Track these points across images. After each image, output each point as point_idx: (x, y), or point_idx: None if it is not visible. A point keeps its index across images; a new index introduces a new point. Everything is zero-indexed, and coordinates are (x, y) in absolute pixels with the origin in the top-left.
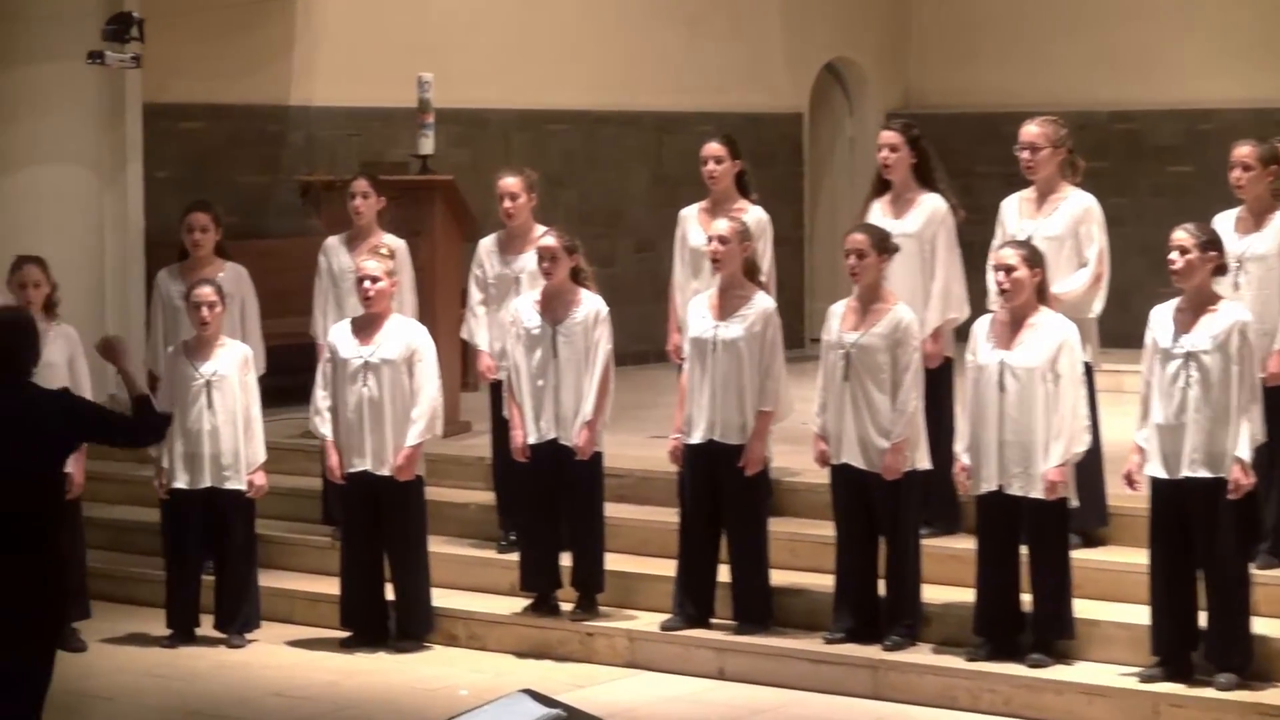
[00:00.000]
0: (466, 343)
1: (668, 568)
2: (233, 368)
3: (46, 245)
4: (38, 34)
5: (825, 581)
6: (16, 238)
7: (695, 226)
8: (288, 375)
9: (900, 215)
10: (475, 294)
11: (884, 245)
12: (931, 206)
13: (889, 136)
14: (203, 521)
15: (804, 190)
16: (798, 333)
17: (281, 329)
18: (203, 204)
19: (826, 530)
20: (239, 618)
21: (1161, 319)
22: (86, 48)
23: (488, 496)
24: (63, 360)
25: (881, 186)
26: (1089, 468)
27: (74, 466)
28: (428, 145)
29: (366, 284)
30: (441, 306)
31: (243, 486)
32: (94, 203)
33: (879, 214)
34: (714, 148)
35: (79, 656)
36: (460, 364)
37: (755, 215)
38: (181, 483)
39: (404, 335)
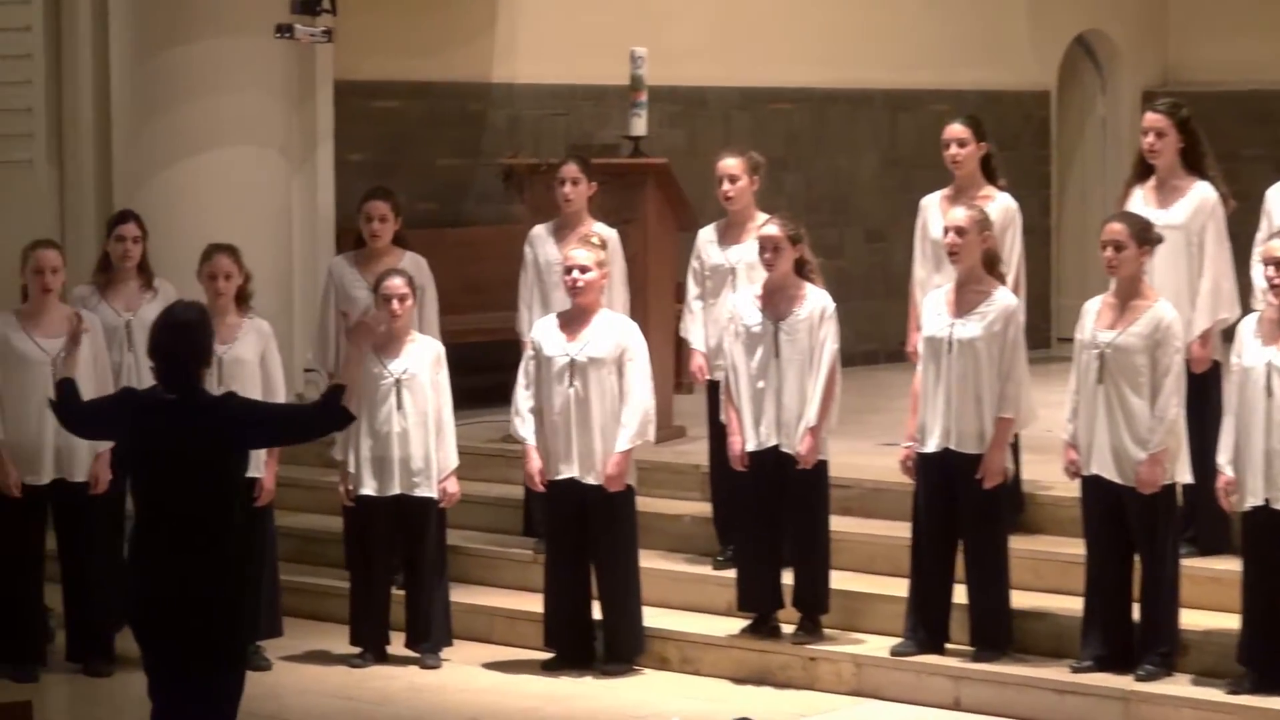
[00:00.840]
0: (681, 341)
1: (898, 587)
2: (424, 365)
3: (231, 233)
4: (223, 6)
5: (1072, 604)
6: (199, 225)
7: (936, 216)
8: (487, 374)
9: (1165, 205)
10: (692, 288)
11: (1145, 236)
12: (1200, 196)
13: (1155, 119)
14: (391, 531)
15: (1051, 176)
16: (1044, 332)
17: (482, 324)
18: (382, 191)
19: (1074, 548)
20: (431, 636)
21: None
22: (274, 21)
23: (703, 508)
24: (254, 356)
25: (1144, 171)
26: None
27: (264, 471)
28: (640, 126)
29: (575, 275)
30: (654, 301)
31: (434, 494)
32: (281, 188)
33: (1140, 202)
34: (957, 130)
35: (263, 676)
36: (674, 364)
37: (1002, 203)
38: (368, 489)
39: (614, 332)
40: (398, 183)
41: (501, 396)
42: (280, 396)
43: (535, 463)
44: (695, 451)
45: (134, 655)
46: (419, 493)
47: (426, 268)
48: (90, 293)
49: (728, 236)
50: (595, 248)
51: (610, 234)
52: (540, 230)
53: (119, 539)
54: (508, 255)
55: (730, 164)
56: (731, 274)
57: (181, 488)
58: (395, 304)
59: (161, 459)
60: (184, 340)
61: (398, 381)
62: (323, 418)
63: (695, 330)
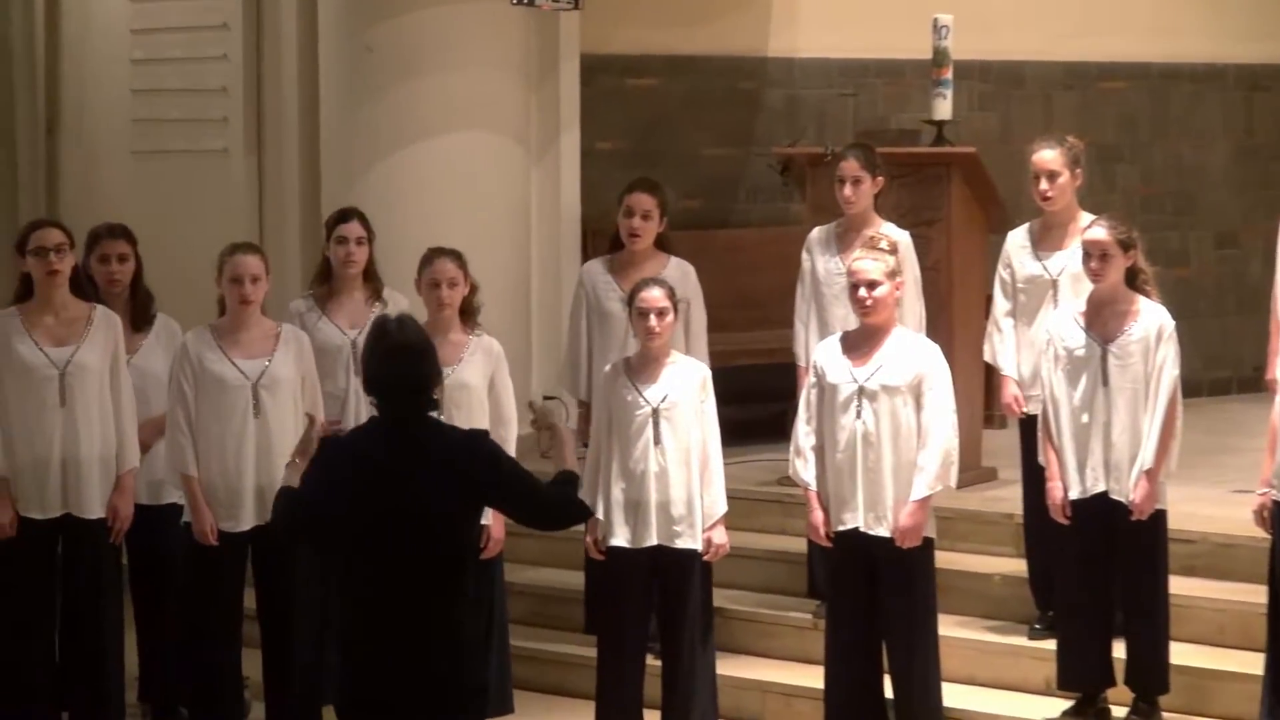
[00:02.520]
0: (990, 366)
1: (1253, 663)
2: (687, 392)
3: (457, 233)
4: None
5: None
6: (422, 223)
7: None
8: (761, 403)
9: None
10: (1001, 302)
11: None
12: None
13: None
14: (646, 590)
15: None
16: None
17: (754, 344)
18: (647, 183)
19: None
20: (693, 713)
21: None
22: None
23: (1017, 565)
24: (481, 381)
25: None
26: None
27: (492, 516)
28: (944, 108)
29: (862, 291)
30: (959, 318)
31: (698, 545)
32: (518, 181)
33: None
34: None
35: None
36: (982, 393)
37: None
38: (621, 539)
39: (911, 355)
40: (655, 176)
41: (777, 430)
42: (512, 432)
43: (818, 511)
44: (1007, 498)
45: None
46: (681, 544)
47: (694, 276)
48: (308, 307)
49: (1045, 241)
50: (884, 254)
51: (902, 237)
52: (819, 235)
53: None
54: (785, 262)
55: (1047, 158)
56: (1051, 286)
57: (407, 555)
58: (653, 320)
59: (383, 523)
60: (407, 367)
61: (655, 412)
62: (561, 510)
63: (1006, 354)
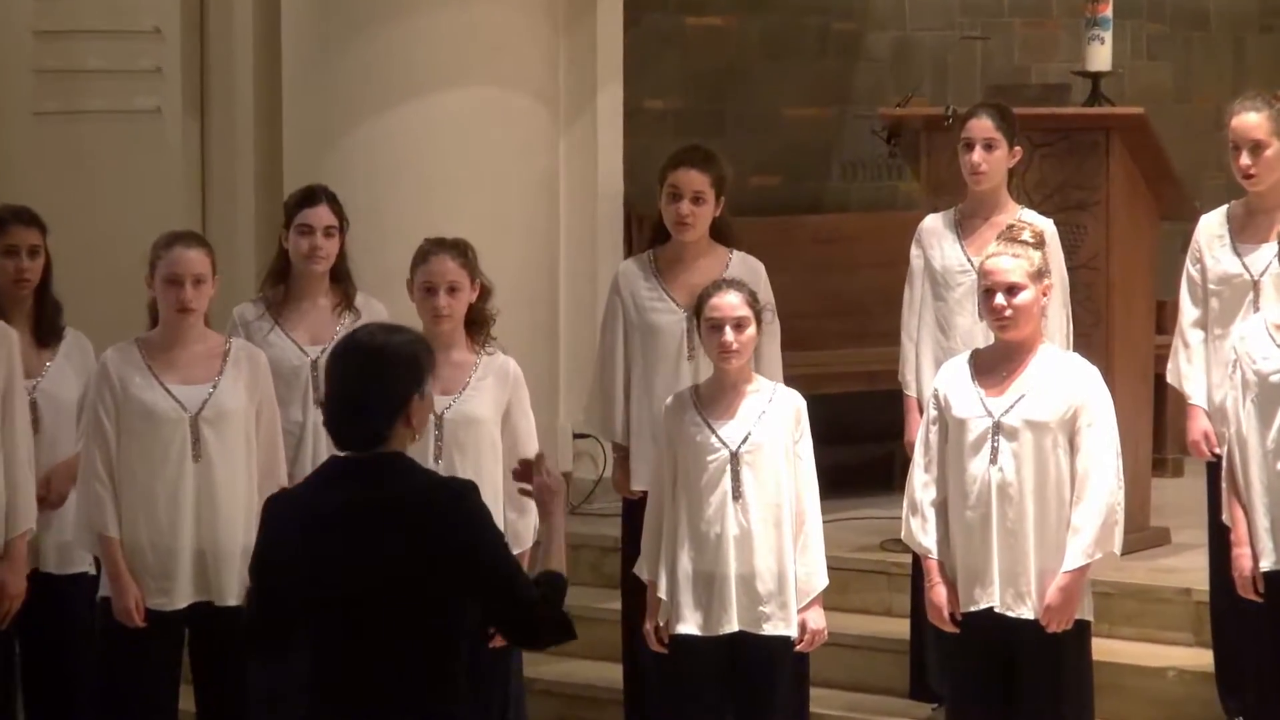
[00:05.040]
0: (1165, 391)
1: None
2: (777, 430)
3: (462, 221)
4: None
5: None
6: (414, 208)
7: None
8: (858, 445)
9: None
10: (1189, 309)
11: None
12: None
13: None
14: (722, 690)
15: None
16: None
17: (849, 366)
18: (696, 156)
19: None
20: None
21: None
22: None
23: (1199, 656)
24: (492, 414)
25: None
26: None
27: None
28: (1102, 57)
29: (1000, 298)
30: (1120, 332)
31: (790, 631)
32: (542, 151)
33: None
34: None
35: None
36: (1152, 430)
37: None
38: (690, 625)
39: (1062, 381)
40: (722, 144)
41: (881, 479)
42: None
43: (941, 587)
44: (1186, 569)
45: None
46: (769, 629)
47: (764, 277)
48: (258, 314)
49: (1247, 231)
50: (1027, 248)
51: (1045, 226)
52: (934, 222)
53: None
54: (891, 258)
55: (1250, 122)
56: (1251, 289)
57: (374, 639)
58: (729, 334)
59: (344, 596)
60: (374, 381)
61: (735, 456)
62: (543, 626)
63: (1194, 376)
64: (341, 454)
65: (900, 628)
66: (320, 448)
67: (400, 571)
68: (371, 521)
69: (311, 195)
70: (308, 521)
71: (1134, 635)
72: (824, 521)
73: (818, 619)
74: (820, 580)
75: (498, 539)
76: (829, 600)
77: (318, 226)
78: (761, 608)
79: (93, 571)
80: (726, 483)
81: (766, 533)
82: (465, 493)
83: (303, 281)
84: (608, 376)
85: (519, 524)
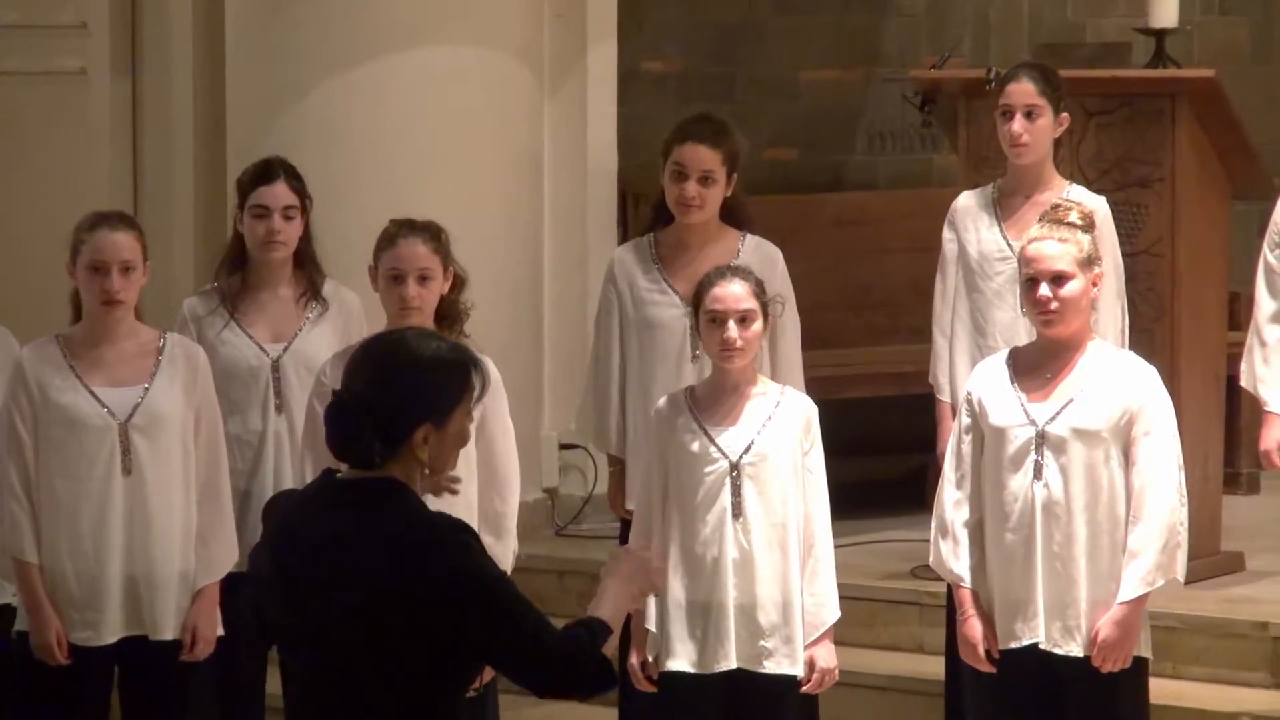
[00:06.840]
0: (1241, 397)
1: None
2: (783, 439)
3: (433, 199)
4: None
5: None
6: (384, 180)
7: None
8: (884, 457)
9: None
10: (1267, 302)
11: None
12: None
13: None
14: None
15: None
16: None
17: (876, 366)
18: (705, 128)
19: None
20: None
21: None
22: None
23: (1278, 700)
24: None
25: None
26: None
27: None
28: (1167, 12)
29: (1045, 288)
30: (1187, 327)
31: (796, 670)
32: (525, 118)
33: None
34: None
35: None
36: (1223, 441)
37: None
38: (682, 661)
39: (1116, 384)
40: (730, 112)
41: (910, 496)
42: (512, 502)
43: (976, 620)
44: (1263, 599)
45: None
46: (771, 667)
47: (782, 264)
48: (210, 308)
49: None
50: (1075, 231)
51: (1097, 205)
52: (970, 201)
53: None
54: (925, 242)
55: None
56: None
57: (353, 681)
58: (732, 329)
59: (318, 637)
60: (388, 392)
61: (735, 468)
62: (577, 673)
63: (1272, 379)
64: (338, 471)
65: (934, 666)
66: (282, 460)
67: (379, 614)
68: (353, 543)
69: (267, 171)
70: (288, 539)
71: (1202, 675)
72: (848, 544)
73: (827, 656)
74: (831, 612)
75: (501, 580)
76: (853, 635)
77: (275, 208)
78: (763, 642)
79: (14, 603)
80: (725, 499)
81: (770, 557)
82: (459, 529)
83: (261, 270)
84: (601, 379)
85: (496, 549)
